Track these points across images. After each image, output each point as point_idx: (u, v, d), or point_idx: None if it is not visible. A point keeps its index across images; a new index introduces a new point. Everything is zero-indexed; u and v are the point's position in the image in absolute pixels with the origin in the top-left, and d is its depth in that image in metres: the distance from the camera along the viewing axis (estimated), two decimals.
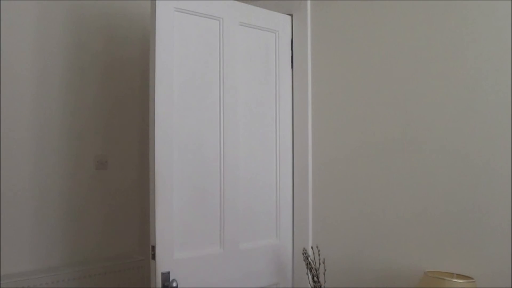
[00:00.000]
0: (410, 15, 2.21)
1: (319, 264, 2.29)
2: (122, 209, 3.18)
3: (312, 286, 2.27)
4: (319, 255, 2.32)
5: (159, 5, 2.11)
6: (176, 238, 2.15)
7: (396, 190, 2.25)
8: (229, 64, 2.37)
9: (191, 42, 2.24)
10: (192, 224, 2.22)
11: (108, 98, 3.11)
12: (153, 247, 2.07)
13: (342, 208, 2.44)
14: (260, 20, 2.50)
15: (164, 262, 2.09)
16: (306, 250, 2.35)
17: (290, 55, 2.64)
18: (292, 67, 2.64)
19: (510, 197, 1.92)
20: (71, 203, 2.93)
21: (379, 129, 2.31)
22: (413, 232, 2.19)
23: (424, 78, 2.17)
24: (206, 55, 2.29)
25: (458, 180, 2.06)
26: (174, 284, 2.05)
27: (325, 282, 2.26)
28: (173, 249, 2.13)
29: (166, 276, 2.08)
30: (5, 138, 2.67)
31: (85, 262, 2.96)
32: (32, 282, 2.62)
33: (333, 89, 2.49)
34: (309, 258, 2.28)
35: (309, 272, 2.35)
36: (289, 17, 2.64)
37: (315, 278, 2.25)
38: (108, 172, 3.11)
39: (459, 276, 2.00)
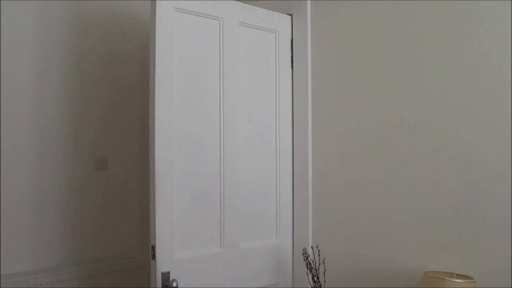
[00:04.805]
0: (409, 14, 2.21)
1: (319, 264, 2.29)
2: (122, 209, 3.18)
3: (312, 286, 2.27)
4: (319, 255, 2.32)
5: (159, 5, 2.11)
6: (176, 238, 2.15)
7: (396, 190, 2.25)
8: (229, 64, 2.37)
9: (191, 42, 2.24)
10: (192, 224, 2.22)
11: (108, 97, 3.11)
12: (153, 247, 2.07)
13: (342, 208, 2.44)
14: (260, 20, 2.50)
15: (164, 262, 2.09)
16: (306, 250, 2.35)
17: (290, 55, 2.64)
18: (292, 67, 2.64)
19: (510, 196, 1.92)
20: (71, 203, 2.93)
21: (379, 129, 2.31)
22: (413, 232, 2.19)
23: (423, 78, 2.17)
24: (206, 55, 2.29)
25: (458, 180, 2.06)
26: (174, 284, 2.05)
27: (325, 282, 2.27)
28: (173, 249, 2.13)
29: (166, 276, 2.08)
30: (4, 138, 2.66)
31: (85, 262, 2.96)
32: (32, 282, 2.62)
33: (333, 88, 2.49)
34: (309, 258, 2.28)
35: (309, 272, 2.35)
36: (289, 17, 2.64)
37: (315, 278, 2.25)
38: (108, 172, 3.11)
39: (459, 276, 2.00)
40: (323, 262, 2.26)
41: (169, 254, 2.11)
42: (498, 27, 1.96)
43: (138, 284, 3.10)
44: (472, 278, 1.96)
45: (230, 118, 2.37)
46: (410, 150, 2.20)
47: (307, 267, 2.27)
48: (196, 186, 2.24)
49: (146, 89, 3.28)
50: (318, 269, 2.26)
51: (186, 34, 2.22)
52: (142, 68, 3.29)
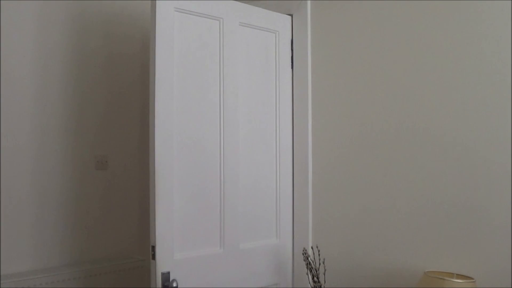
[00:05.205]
0: (409, 14, 2.21)
1: (319, 264, 2.29)
2: (122, 209, 3.18)
3: (312, 286, 2.27)
4: (319, 255, 2.32)
5: (159, 5, 2.11)
6: (176, 238, 2.15)
7: (396, 190, 2.25)
8: (229, 64, 2.37)
9: (191, 42, 2.24)
10: (192, 224, 2.22)
11: (108, 97, 3.11)
12: (153, 247, 2.07)
13: (342, 208, 2.44)
14: (260, 20, 2.50)
15: (164, 262, 2.09)
16: (306, 250, 2.35)
17: (290, 55, 2.64)
18: (292, 67, 2.64)
19: (510, 196, 1.92)
20: (71, 203, 2.93)
21: (379, 130, 2.31)
22: (413, 232, 2.19)
23: (423, 77, 2.17)
24: (206, 55, 2.29)
25: (458, 181, 2.06)
26: (174, 284, 2.05)
27: (325, 282, 2.27)
28: (173, 249, 2.13)
29: (166, 276, 2.08)
30: (5, 138, 2.67)
31: (85, 262, 2.96)
32: (32, 282, 2.62)
33: (333, 88, 2.49)
34: (309, 258, 2.28)
35: (309, 272, 2.35)
36: (289, 17, 2.64)
37: (315, 278, 2.25)
38: (108, 172, 3.11)
39: (459, 276, 2.00)
40: (323, 262, 2.26)
41: (169, 254, 2.11)
42: (498, 27, 1.96)
43: (138, 284, 3.10)
44: (472, 278, 1.96)
45: (230, 118, 2.37)
46: (410, 150, 2.20)
47: (307, 267, 2.27)
48: (196, 186, 2.24)
49: (146, 89, 3.29)
50: (318, 269, 2.26)
51: (186, 34, 2.22)
52: (142, 68, 3.29)
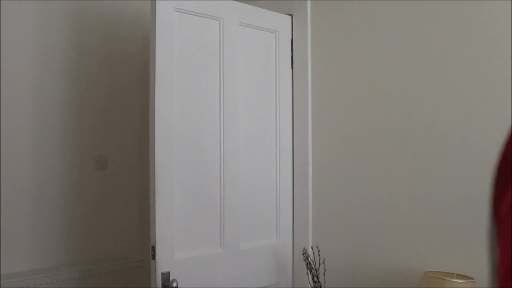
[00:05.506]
0: (409, 14, 2.21)
1: (319, 264, 2.29)
2: (122, 209, 3.18)
3: (312, 286, 2.27)
4: (319, 255, 2.32)
5: (159, 5, 2.11)
6: (176, 238, 2.15)
7: (396, 190, 2.25)
8: (229, 64, 2.37)
9: (191, 42, 2.24)
10: (192, 224, 2.22)
11: (108, 97, 3.11)
12: (153, 247, 2.07)
13: (342, 208, 2.44)
14: (260, 20, 2.50)
15: (164, 262, 2.09)
16: (306, 250, 2.35)
17: (290, 55, 2.64)
18: (292, 67, 2.64)
19: None
20: (71, 203, 2.93)
21: (379, 129, 2.31)
22: (413, 232, 2.19)
23: (423, 77, 2.17)
24: (206, 55, 2.29)
25: (459, 180, 2.06)
26: (174, 284, 2.05)
27: (325, 282, 2.27)
28: (173, 249, 2.13)
29: (166, 276, 2.08)
30: (4, 138, 2.66)
31: (85, 262, 2.95)
32: (32, 282, 2.62)
33: (333, 88, 2.49)
34: (309, 258, 2.28)
35: (309, 272, 2.35)
36: (289, 17, 2.64)
37: (315, 278, 2.25)
38: (108, 172, 3.11)
39: (459, 276, 2.00)
40: (323, 262, 2.26)
41: (169, 254, 2.11)
42: (498, 27, 1.96)
43: (138, 284, 3.10)
44: (472, 278, 1.96)
45: (230, 118, 2.37)
46: (410, 150, 2.20)
47: (307, 267, 2.27)
48: (196, 186, 2.24)
49: (147, 89, 3.27)
50: (318, 269, 2.26)
51: (186, 34, 2.22)
52: (142, 67, 3.29)
